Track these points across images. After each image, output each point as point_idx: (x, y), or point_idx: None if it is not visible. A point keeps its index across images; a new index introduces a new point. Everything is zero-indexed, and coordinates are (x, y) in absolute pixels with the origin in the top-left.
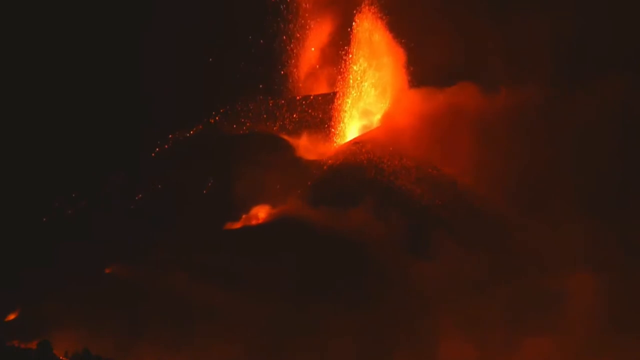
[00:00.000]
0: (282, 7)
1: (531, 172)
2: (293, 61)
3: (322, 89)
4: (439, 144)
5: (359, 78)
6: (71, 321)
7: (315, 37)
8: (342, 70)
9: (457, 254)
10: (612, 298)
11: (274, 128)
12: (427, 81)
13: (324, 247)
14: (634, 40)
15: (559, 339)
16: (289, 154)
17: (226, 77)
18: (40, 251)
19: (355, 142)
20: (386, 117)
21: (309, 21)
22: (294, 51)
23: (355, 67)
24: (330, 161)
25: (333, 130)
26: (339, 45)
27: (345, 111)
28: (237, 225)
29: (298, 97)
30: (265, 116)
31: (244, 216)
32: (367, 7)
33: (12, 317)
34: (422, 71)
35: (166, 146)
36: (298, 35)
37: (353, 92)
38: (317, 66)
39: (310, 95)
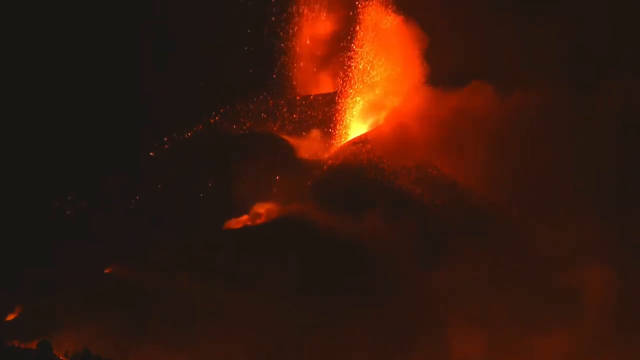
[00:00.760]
0: (283, 6)
1: (532, 171)
2: (293, 61)
3: (322, 88)
4: (441, 144)
5: (360, 78)
6: (71, 321)
7: (317, 36)
8: (343, 70)
9: (462, 254)
10: (620, 296)
11: (274, 128)
12: (427, 81)
13: (324, 247)
14: (634, 40)
15: (568, 336)
16: (289, 154)
17: (226, 77)
18: (40, 251)
19: (355, 142)
20: (388, 117)
21: (310, 21)
22: (295, 51)
23: (357, 67)
24: (330, 161)
25: (333, 130)
26: (341, 46)
27: (346, 111)
28: (237, 225)
29: (298, 97)
30: (265, 116)
31: (244, 216)
32: (372, 6)
33: (12, 317)
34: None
35: (166, 146)
36: (299, 34)
37: (354, 93)
38: (318, 66)
39: (310, 95)
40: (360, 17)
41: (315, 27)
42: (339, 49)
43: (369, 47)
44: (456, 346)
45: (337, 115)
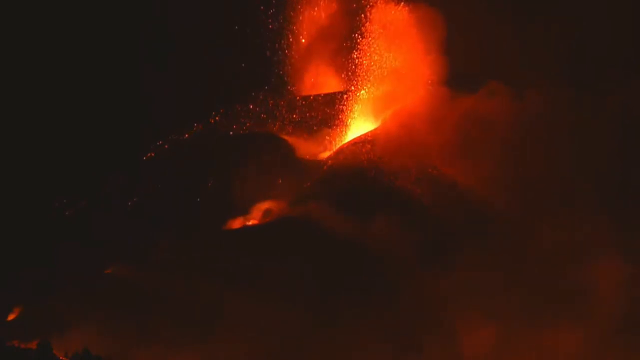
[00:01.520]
0: (284, 5)
1: (533, 171)
2: (294, 61)
3: (322, 88)
4: (447, 146)
5: (364, 78)
6: (71, 321)
7: (317, 36)
8: (346, 69)
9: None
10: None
11: (274, 128)
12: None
13: (324, 247)
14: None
15: (576, 334)
16: (289, 154)
17: (226, 77)
18: (40, 251)
19: (355, 142)
20: (393, 117)
21: (310, 21)
22: (295, 51)
23: (361, 66)
24: (330, 161)
25: (333, 130)
26: (343, 45)
27: (347, 111)
28: (237, 225)
29: (298, 97)
30: (265, 116)
31: (244, 216)
32: (379, 3)
33: (12, 317)
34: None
35: (166, 146)
36: (299, 34)
37: (356, 92)
38: (319, 66)
39: (310, 95)
40: (367, 14)
41: (315, 27)
42: (340, 49)
43: (373, 46)
44: (464, 346)
45: (337, 115)
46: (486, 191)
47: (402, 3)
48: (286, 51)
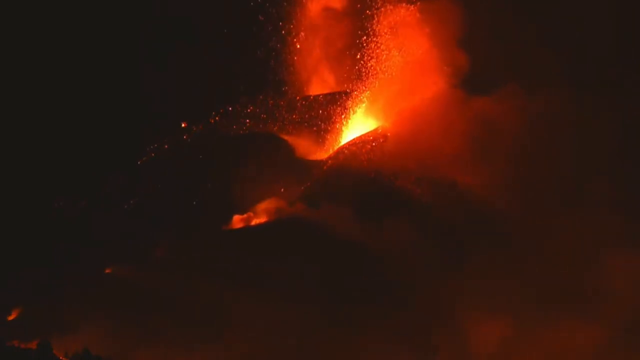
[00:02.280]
0: (284, 5)
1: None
2: (294, 61)
3: (322, 89)
4: (456, 149)
5: (362, 79)
6: (71, 321)
7: (317, 36)
8: (348, 69)
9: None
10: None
11: (274, 128)
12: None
13: (324, 247)
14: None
15: (588, 334)
16: (289, 154)
17: (226, 77)
18: (40, 251)
19: (355, 142)
20: (391, 119)
21: (310, 20)
22: (296, 51)
23: (365, 66)
24: (330, 161)
25: (333, 130)
26: (344, 46)
27: (346, 111)
28: (237, 225)
29: (298, 97)
30: (265, 116)
31: (244, 216)
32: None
33: (12, 317)
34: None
35: (166, 146)
36: (299, 34)
37: (359, 92)
38: (319, 66)
39: (311, 96)
40: (370, 13)
41: (316, 27)
42: (341, 49)
43: (376, 46)
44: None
45: (337, 115)
46: (492, 192)
47: (404, 3)
48: (286, 51)
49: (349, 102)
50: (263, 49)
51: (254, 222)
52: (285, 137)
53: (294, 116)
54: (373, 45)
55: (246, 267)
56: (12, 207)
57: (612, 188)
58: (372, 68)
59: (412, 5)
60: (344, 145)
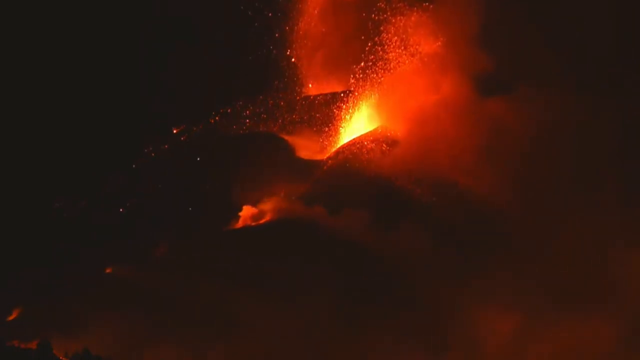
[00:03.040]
0: (285, 4)
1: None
2: (294, 61)
3: (322, 89)
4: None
5: (363, 79)
6: (71, 321)
7: (318, 36)
8: (343, 71)
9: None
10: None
11: (274, 128)
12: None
13: (324, 247)
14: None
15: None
16: (289, 154)
17: (226, 77)
18: (40, 251)
19: (355, 142)
20: (390, 120)
21: (311, 19)
22: (296, 50)
23: (367, 66)
24: (330, 161)
25: (333, 130)
26: (344, 46)
27: (347, 111)
28: (237, 225)
29: (298, 97)
30: (265, 116)
31: (244, 216)
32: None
33: (12, 317)
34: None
35: (166, 146)
36: (300, 33)
37: (355, 93)
38: (319, 66)
39: (311, 96)
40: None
41: (316, 27)
42: (341, 49)
43: (377, 46)
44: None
45: (337, 115)
46: (493, 192)
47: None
48: (286, 51)
49: (349, 102)
50: (263, 49)
51: (253, 222)
52: (285, 137)
53: (294, 116)
54: (378, 46)
55: (246, 267)
56: (12, 207)
57: (612, 188)
58: (374, 68)
59: (418, 8)
60: (344, 145)
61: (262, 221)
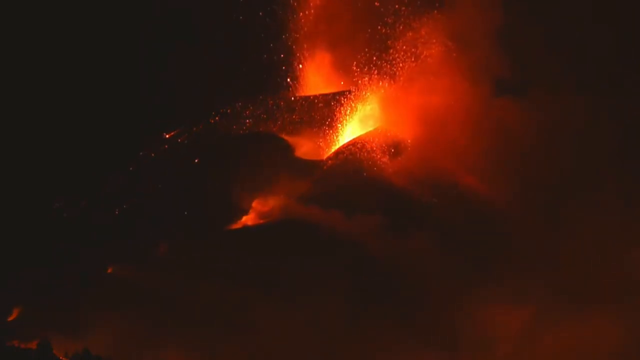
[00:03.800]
0: (285, 4)
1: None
2: (294, 61)
3: (322, 89)
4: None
5: (363, 79)
6: (71, 321)
7: (318, 36)
8: (343, 71)
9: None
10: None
11: (274, 128)
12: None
13: (324, 247)
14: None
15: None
16: (289, 154)
17: (226, 77)
18: (40, 251)
19: (355, 142)
20: (390, 120)
21: (311, 19)
22: (296, 50)
23: (358, 67)
24: (330, 161)
25: (333, 130)
26: (345, 46)
27: (347, 111)
28: (237, 225)
29: (298, 97)
30: (265, 116)
31: (244, 216)
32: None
33: (12, 317)
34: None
35: (166, 146)
36: (300, 34)
37: (355, 93)
38: (319, 66)
39: (311, 96)
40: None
41: (316, 27)
42: (342, 49)
43: (377, 46)
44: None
45: (337, 115)
46: (493, 191)
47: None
48: (287, 51)
49: (349, 103)
50: (263, 49)
51: (254, 222)
52: (285, 137)
53: (294, 116)
54: (379, 47)
55: (246, 267)
56: (12, 207)
57: (612, 188)
58: (374, 68)
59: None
60: (344, 145)
61: (262, 221)
